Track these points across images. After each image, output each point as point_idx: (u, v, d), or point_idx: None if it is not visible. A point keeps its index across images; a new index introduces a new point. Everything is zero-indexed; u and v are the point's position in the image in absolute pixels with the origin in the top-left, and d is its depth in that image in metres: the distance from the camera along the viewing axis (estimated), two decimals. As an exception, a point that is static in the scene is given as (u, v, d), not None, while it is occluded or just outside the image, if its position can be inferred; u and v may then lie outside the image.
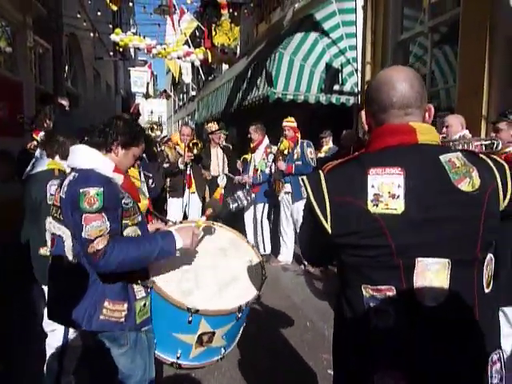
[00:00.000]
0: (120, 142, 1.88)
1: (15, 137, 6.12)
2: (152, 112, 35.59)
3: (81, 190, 1.71)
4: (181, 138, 5.55)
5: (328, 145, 5.79)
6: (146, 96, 21.69)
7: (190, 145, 5.29)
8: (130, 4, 14.29)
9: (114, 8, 8.19)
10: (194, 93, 20.94)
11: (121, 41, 11.53)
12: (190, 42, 12.95)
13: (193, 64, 13.47)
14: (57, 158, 2.44)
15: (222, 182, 6.10)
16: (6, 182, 2.78)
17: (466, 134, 3.60)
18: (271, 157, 5.49)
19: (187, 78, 17.82)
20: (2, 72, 6.82)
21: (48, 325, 2.48)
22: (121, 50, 13.26)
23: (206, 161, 5.77)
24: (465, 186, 1.11)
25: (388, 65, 6.07)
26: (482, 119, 4.22)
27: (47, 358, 2.50)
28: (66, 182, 1.81)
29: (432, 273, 1.11)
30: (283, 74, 6.39)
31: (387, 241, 1.10)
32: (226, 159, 6.24)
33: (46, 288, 2.41)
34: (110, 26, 13.58)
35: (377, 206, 1.11)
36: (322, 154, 5.32)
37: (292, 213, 5.36)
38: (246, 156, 5.99)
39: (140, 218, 1.94)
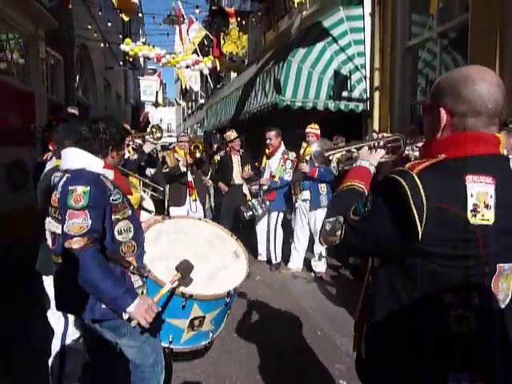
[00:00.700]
0: (113, 146, 2.02)
1: (28, 146, 6.22)
2: (161, 120, 35.92)
3: (70, 188, 1.83)
4: (179, 146, 5.56)
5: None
6: (156, 105, 21.89)
7: (192, 148, 5.31)
8: (140, 14, 14.48)
9: (126, 18, 8.31)
10: (202, 101, 21.11)
11: (131, 50, 11.70)
12: (198, 50, 13.09)
13: (201, 72, 13.59)
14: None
15: (247, 190, 6.10)
16: (20, 191, 2.83)
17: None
18: (289, 163, 5.43)
19: (196, 86, 17.99)
20: (15, 83, 6.95)
21: (51, 318, 2.53)
22: (130, 59, 13.45)
23: (206, 167, 5.78)
24: None
25: (397, 71, 6.07)
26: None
27: (50, 361, 2.52)
28: (60, 183, 1.92)
29: (503, 277, 1.16)
30: (292, 81, 6.40)
31: (479, 251, 1.11)
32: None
33: (45, 278, 2.48)
34: (120, 36, 13.77)
35: (475, 216, 1.09)
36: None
37: (309, 221, 5.33)
38: (257, 163, 5.99)
39: (130, 212, 2.02)
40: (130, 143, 4.67)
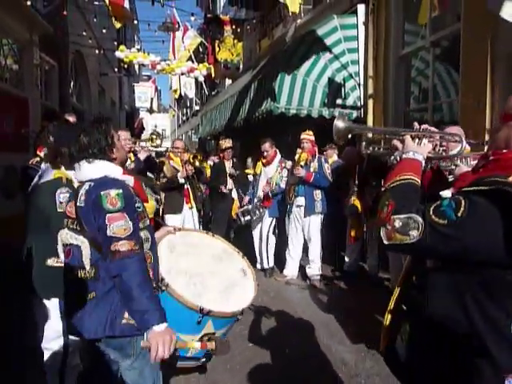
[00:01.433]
0: (108, 147, 1.93)
1: (22, 152, 6.18)
2: (156, 126, 35.82)
3: (102, 193, 1.77)
4: (174, 152, 5.50)
5: (332, 158, 5.80)
6: (150, 111, 21.89)
7: (191, 159, 5.31)
8: (135, 21, 14.53)
9: (118, 25, 8.33)
10: (197, 107, 21.15)
11: (126, 57, 11.74)
12: (193, 57, 13.14)
13: (196, 79, 13.64)
14: (62, 168, 2.45)
15: (235, 195, 6.19)
16: (13, 198, 2.79)
17: (467, 147, 3.58)
18: (285, 171, 5.46)
19: (190, 92, 18.02)
20: (9, 89, 6.92)
21: (47, 342, 2.46)
22: (125, 66, 13.46)
23: (203, 176, 5.80)
24: None
25: (390, 79, 6.13)
26: (486, 132, 4.22)
27: (47, 378, 2.46)
28: (81, 192, 1.84)
29: None
30: (286, 88, 6.44)
31: None
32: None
33: (46, 301, 2.39)
34: (115, 42, 13.80)
35: None
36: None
37: (303, 227, 5.34)
38: (249, 170, 6.02)
39: (148, 222, 1.97)
40: (136, 149, 4.61)
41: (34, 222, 2.41)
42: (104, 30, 11.12)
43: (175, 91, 17.01)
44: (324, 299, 4.82)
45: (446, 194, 1.35)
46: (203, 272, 2.34)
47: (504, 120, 1.33)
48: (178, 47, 12.62)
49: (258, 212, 5.43)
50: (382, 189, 1.39)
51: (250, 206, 5.45)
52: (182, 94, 17.82)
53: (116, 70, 16.20)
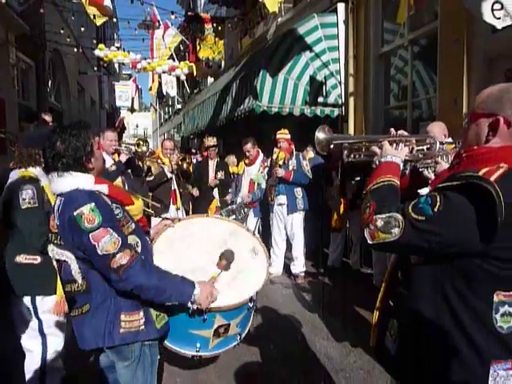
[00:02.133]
0: (86, 157, 1.84)
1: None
2: (137, 126, 35.51)
3: (75, 213, 1.70)
4: (163, 152, 5.43)
5: (309, 155, 5.85)
6: (131, 110, 21.60)
7: (179, 162, 5.29)
8: (114, 19, 14.32)
9: (98, 23, 8.19)
10: (179, 106, 20.98)
11: (105, 56, 11.55)
12: (174, 56, 13.03)
13: (178, 77, 13.53)
14: (30, 168, 2.45)
15: (217, 194, 6.15)
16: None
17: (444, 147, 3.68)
18: (267, 170, 5.51)
19: (172, 91, 17.85)
20: (-16, 89, 6.76)
21: (24, 340, 2.45)
22: (105, 64, 13.26)
23: (192, 178, 5.77)
24: None
25: (370, 77, 6.21)
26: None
27: (26, 381, 2.44)
28: (55, 208, 1.81)
29: None
30: (268, 87, 6.45)
31: None
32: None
33: (25, 299, 2.38)
34: (94, 41, 13.58)
35: None
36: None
37: (286, 225, 5.38)
38: (234, 169, 6.01)
39: (134, 225, 1.92)
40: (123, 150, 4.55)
41: (5, 221, 2.41)
42: (82, 29, 10.94)
43: (150, 89, 16.82)
44: (308, 296, 4.87)
45: (424, 191, 1.40)
46: (205, 263, 2.18)
47: (472, 118, 1.39)
48: (159, 45, 12.49)
49: (242, 212, 5.44)
50: (364, 192, 1.44)
51: (234, 206, 5.45)
52: (164, 92, 17.64)
53: (95, 68, 15.94)
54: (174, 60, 12.80)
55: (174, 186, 5.36)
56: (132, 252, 1.73)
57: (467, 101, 4.37)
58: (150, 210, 4.49)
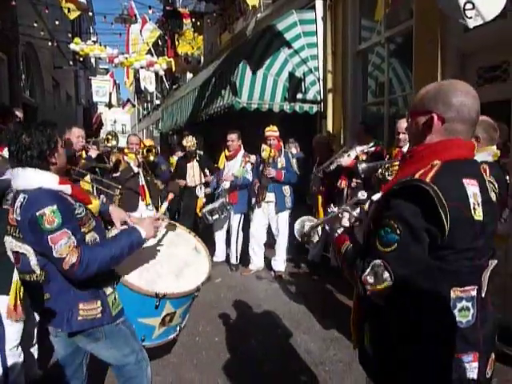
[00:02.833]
0: (49, 151, 1.91)
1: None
2: (115, 121, 34.88)
3: (37, 214, 1.78)
4: (129, 148, 5.23)
5: (290, 150, 5.89)
6: (109, 105, 21.22)
7: (144, 151, 5.14)
8: (90, 13, 14.01)
9: (72, 17, 8.00)
10: (158, 102, 20.73)
11: (81, 50, 11.30)
12: (153, 51, 12.84)
13: (157, 73, 13.35)
14: None
15: (201, 192, 6.11)
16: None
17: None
18: (249, 166, 5.45)
19: (151, 86, 17.61)
20: (-46, 84, 6.52)
21: None
22: (81, 59, 12.96)
23: (159, 169, 5.58)
24: (494, 197, 1.41)
25: (348, 74, 6.28)
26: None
27: None
28: (17, 204, 1.85)
29: (486, 272, 1.39)
30: (247, 83, 6.45)
31: (477, 244, 1.31)
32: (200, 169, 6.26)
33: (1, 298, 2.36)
34: (70, 34, 13.25)
35: (475, 213, 1.29)
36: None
37: (271, 222, 5.41)
38: (217, 165, 5.98)
39: (95, 223, 2.04)
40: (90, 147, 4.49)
41: None
42: (57, 22, 10.65)
43: (126, 84, 16.59)
44: (289, 291, 4.92)
45: (376, 196, 1.50)
46: (154, 258, 2.49)
47: (412, 117, 1.45)
48: (136, 40, 12.28)
49: (225, 210, 5.39)
50: (341, 268, 1.52)
51: (216, 205, 5.40)
52: (142, 88, 17.40)
53: (71, 62, 15.56)
54: (152, 55, 12.63)
55: (142, 181, 5.15)
56: (77, 247, 1.83)
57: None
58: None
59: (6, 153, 2.56)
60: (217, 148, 7.48)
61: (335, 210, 1.73)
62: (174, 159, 7.43)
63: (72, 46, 11.41)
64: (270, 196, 5.28)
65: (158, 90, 19.77)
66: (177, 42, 10.90)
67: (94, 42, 13.01)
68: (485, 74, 4.16)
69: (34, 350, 2.83)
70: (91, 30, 22.11)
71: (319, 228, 2.00)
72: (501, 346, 2.75)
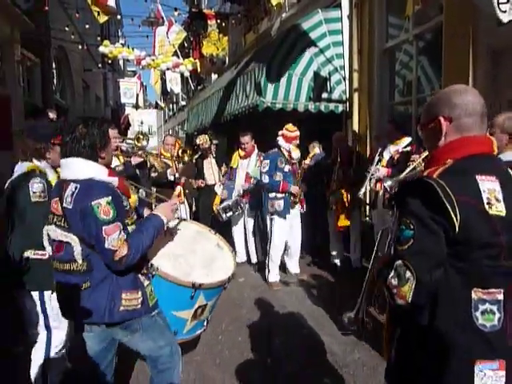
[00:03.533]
0: (100, 145, 1.98)
1: (4, 150, 6.09)
2: (142, 122, 35.51)
3: (92, 203, 1.82)
4: (165, 148, 5.50)
5: (313, 151, 5.81)
6: (136, 107, 21.63)
7: (180, 153, 5.27)
8: (118, 17, 14.33)
9: (101, 20, 8.20)
10: (183, 102, 20.99)
11: (110, 53, 11.57)
12: (179, 52, 13.01)
13: (182, 74, 13.52)
14: (35, 161, 2.45)
15: (219, 190, 6.13)
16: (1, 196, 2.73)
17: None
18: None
19: (177, 88, 17.86)
20: (-10, 86, 6.80)
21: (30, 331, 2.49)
22: (109, 61, 13.27)
23: (194, 171, 5.75)
24: None
25: (375, 72, 6.17)
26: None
27: (32, 373, 2.47)
28: (67, 193, 1.89)
29: None
30: (272, 83, 6.43)
31: (499, 240, 1.27)
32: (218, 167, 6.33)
33: (34, 294, 2.40)
34: (99, 38, 13.59)
35: (491, 208, 1.27)
36: (307, 161, 5.28)
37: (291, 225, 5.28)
38: (232, 164, 6.00)
39: (135, 216, 2.12)
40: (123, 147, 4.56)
41: (11, 216, 2.40)
42: (87, 26, 10.94)
43: (156, 84, 16.86)
44: (313, 293, 4.86)
45: (387, 183, 1.53)
46: (184, 252, 2.55)
47: (423, 130, 1.53)
48: (162, 42, 12.47)
49: (239, 207, 5.41)
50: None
51: (230, 203, 5.42)
52: (168, 89, 17.67)
53: (99, 65, 15.96)
54: (178, 57, 12.80)
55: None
56: (126, 240, 1.88)
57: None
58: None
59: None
60: (236, 148, 7.50)
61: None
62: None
63: (101, 49, 11.69)
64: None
65: (184, 91, 20.02)
66: (202, 44, 11.00)
67: (123, 45, 13.30)
68: (519, 70, 4.01)
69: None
70: (119, 33, 22.62)
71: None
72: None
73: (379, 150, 4.59)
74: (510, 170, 1.40)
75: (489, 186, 1.29)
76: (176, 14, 10.29)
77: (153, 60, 11.91)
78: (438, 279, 1.28)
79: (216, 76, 14.14)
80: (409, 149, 4.35)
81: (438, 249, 1.27)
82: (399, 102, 6.31)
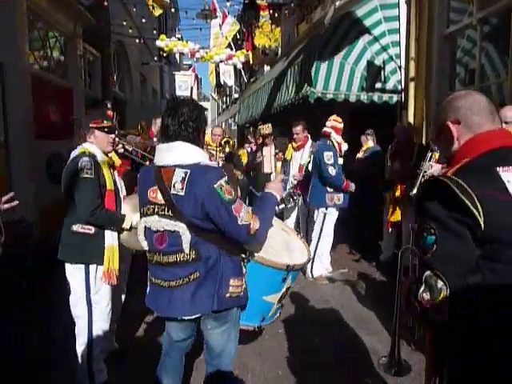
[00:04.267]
0: (204, 129, 1.98)
1: (66, 140, 6.47)
2: (196, 115, 36.30)
3: (215, 186, 1.79)
4: (212, 138, 5.61)
5: (367, 144, 5.60)
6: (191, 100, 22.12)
7: (222, 143, 5.35)
8: (173, 10, 14.67)
9: (156, 13, 8.42)
10: (236, 95, 21.18)
11: (166, 46, 11.90)
12: (232, 44, 13.11)
13: (235, 66, 13.62)
14: (84, 144, 2.58)
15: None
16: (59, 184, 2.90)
17: None
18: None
19: (230, 80, 18.04)
20: (54, 79, 7.23)
21: (74, 307, 2.56)
22: (165, 55, 13.64)
23: (237, 160, 5.75)
24: None
25: (433, 60, 5.81)
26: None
27: (77, 347, 2.58)
28: (175, 179, 1.83)
29: None
30: (323, 72, 6.29)
31: None
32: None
33: (71, 266, 2.48)
34: (155, 31, 14.01)
35: None
36: (360, 154, 5.09)
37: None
38: (286, 156, 5.92)
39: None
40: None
41: (64, 193, 2.52)
42: (143, 20, 11.30)
43: (211, 75, 17.10)
44: (358, 290, 4.72)
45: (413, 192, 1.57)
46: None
47: (436, 140, 1.55)
48: (216, 34, 12.63)
49: (291, 200, 5.31)
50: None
51: (283, 195, 5.33)
52: (222, 82, 17.89)
53: (156, 58, 16.46)
54: (231, 49, 12.90)
55: None
56: (254, 215, 1.90)
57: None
58: None
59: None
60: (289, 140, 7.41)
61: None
62: (243, 151, 7.48)
63: (158, 43, 12.06)
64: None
65: (237, 83, 20.18)
66: (254, 35, 10.99)
67: (179, 39, 13.62)
68: None
69: (114, 325, 2.94)
70: (177, 28, 23.19)
71: None
72: None
73: (431, 144, 4.33)
74: None
75: None
76: (228, 4, 10.34)
77: (206, 52, 12.09)
78: (477, 284, 1.16)
79: (268, 68, 14.09)
80: None
81: (465, 251, 1.17)
82: (460, 91, 5.90)
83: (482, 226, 1.15)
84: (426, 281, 1.21)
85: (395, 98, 6.43)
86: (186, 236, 1.84)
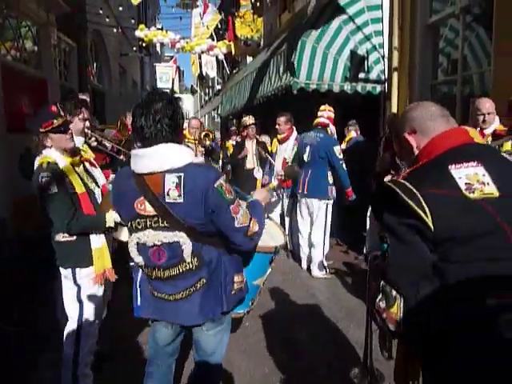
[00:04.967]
0: (181, 126, 1.77)
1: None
2: (178, 107, 35.90)
3: (215, 185, 1.66)
4: (189, 131, 5.30)
5: (350, 135, 5.52)
6: (172, 92, 21.78)
7: (202, 136, 5.17)
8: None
9: (135, 2, 8.16)
10: (219, 87, 20.93)
11: (145, 36, 11.62)
12: (214, 35, 12.89)
13: (217, 57, 13.42)
14: (44, 152, 2.37)
15: (258, 174, 5.94)
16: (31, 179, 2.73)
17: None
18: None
19: (212, 72, 17.81)
20: (27, 70, 6.94)
21: (67, 309, 2.53)
22: (144, 45, 13.34)
23: (216, 154, 5.59)
24: None
25: (416, 50, 5.78)
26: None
27: (64, 348, 2.52)
28: (168, 187, 1.64)
29: None
30: (306, 62, 6.18)
31: (498, 223, 1.12)
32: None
33: (68, 271, 2.46)
34: (133, 21, 13.64)
35: (473, 192, 1.17)
36: (343, 145, 5.00)
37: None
38: (271, 149, 5.81)
39: None
40: None
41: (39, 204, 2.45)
42: (120, 8, 10.97)
43: (193, 65, 16.85)
44: (345, 282, 4.69)
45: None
46: None
47: (399, 152, 1.54)
48: (197, 24, 12.40)
49: (275, 194, 5.24)
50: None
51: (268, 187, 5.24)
52: (204, 73, 17.65)
53: (134, 48, 16.07)
54: (213, 39, 12.69)
55: None
56: (255, 218, 1.83)
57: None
58: None
59: None
60: (272, 132, 7.32)
61: None
62: (229, 143, 7.37)
63: (137, 33, 11.77)
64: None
65: (219, 75, 19.93)
66: (236, 24, 10.82)
67: (159, 29, 13.31)
68: None
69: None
70: (156, 17, 22.73)
71: None
72: None
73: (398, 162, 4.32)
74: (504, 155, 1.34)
75: (467, 172, 1.20)
76: (209, -7, 10.11)
77: (187, 42, 11.86)
78: (430, 293, 1.11)
79: (251, 59, 13.93)
80: None
81: (416, 258, 1.14)
82: (442, 81, 5.89)
83: (431, 226, 1.12)
84: (383, 290, 1.19)
85: (379, 88, 6.39)
86: (187, 245, 1.72)
